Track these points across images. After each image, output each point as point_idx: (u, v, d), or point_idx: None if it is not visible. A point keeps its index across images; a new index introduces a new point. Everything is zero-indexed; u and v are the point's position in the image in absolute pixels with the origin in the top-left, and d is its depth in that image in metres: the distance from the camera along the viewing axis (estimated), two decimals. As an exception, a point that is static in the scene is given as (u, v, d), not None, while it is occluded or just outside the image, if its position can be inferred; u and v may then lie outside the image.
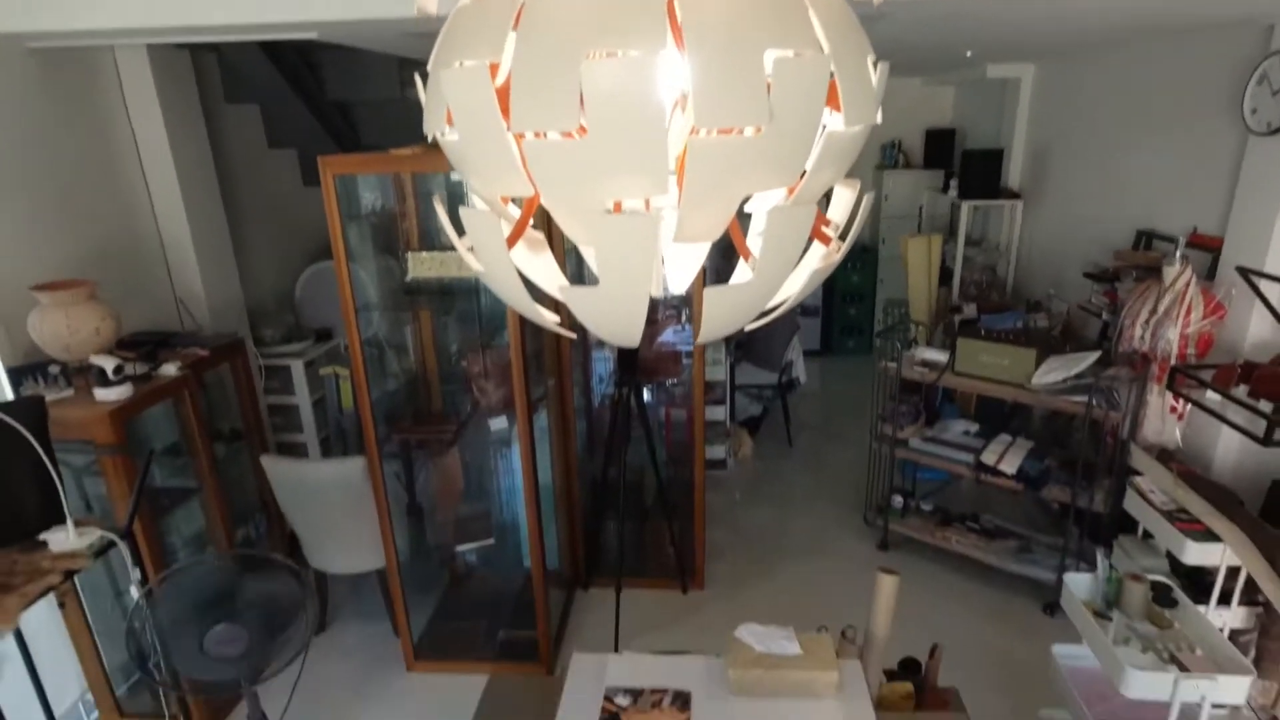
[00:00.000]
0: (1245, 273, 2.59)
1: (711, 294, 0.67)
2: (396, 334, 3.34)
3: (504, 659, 3.05)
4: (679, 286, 0.81)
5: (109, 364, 2.26)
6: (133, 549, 2.19)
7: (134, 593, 2.02)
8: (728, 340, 4.57)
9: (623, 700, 1.79)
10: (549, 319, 0.80)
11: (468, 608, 3.35)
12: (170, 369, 2.53)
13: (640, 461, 3.61)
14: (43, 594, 1.90)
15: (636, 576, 3.46)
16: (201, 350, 2.75)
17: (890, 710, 2.01)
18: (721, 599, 3.42)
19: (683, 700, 1.78)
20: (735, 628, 1.91)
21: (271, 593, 1.98)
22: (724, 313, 0.70)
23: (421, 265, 2.55)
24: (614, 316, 0.67)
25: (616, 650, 2.97)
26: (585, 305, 0.68)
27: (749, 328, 0.77)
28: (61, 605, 2.53)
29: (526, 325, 2.56)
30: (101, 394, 2.28)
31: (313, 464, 2.74)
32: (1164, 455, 2.86)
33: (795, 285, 0.78)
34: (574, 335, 1.95)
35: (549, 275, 0.82)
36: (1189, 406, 2.84)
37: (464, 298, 3.08)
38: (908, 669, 2.19)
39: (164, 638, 1.84)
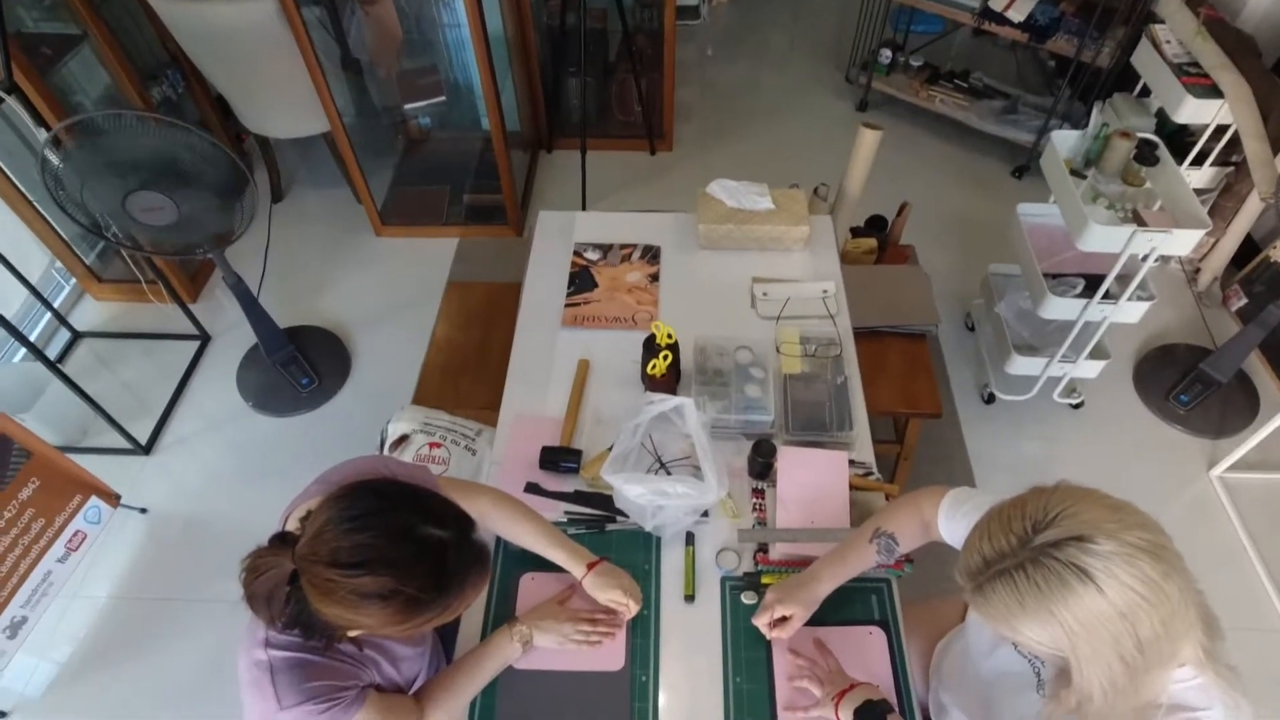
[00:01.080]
0: None
1: None
2: None
3: (472, 222, 3.06)
4: None
5: None
6: (26, 104, 1.93)
7: (50, 155, 1.83)
8: None
9: (592, 255, 1.79)
10: None
11: (429, 173, 3.24)
12: None
13: (603, 7, 3.15)
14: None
15: (602, 137, 3.30)
16: None
17: (854, 264, 2.07)
18: (691, 160, 3.33)
19: (652, 254, 1.78)
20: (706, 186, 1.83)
21: (201, 159, 1.80)
22: None
23: None
24: None
25: (584, 210, 2.97)
26: None
27: None
28: (-21, 171, 2.36)
29: None
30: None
31: (211, 4, 2.29)
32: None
33: None
34: None
35: None
36: (1247, -66, 2.42)
37: None
38: (874, 225, 2.21)
39: (84, 197, 1.70)
